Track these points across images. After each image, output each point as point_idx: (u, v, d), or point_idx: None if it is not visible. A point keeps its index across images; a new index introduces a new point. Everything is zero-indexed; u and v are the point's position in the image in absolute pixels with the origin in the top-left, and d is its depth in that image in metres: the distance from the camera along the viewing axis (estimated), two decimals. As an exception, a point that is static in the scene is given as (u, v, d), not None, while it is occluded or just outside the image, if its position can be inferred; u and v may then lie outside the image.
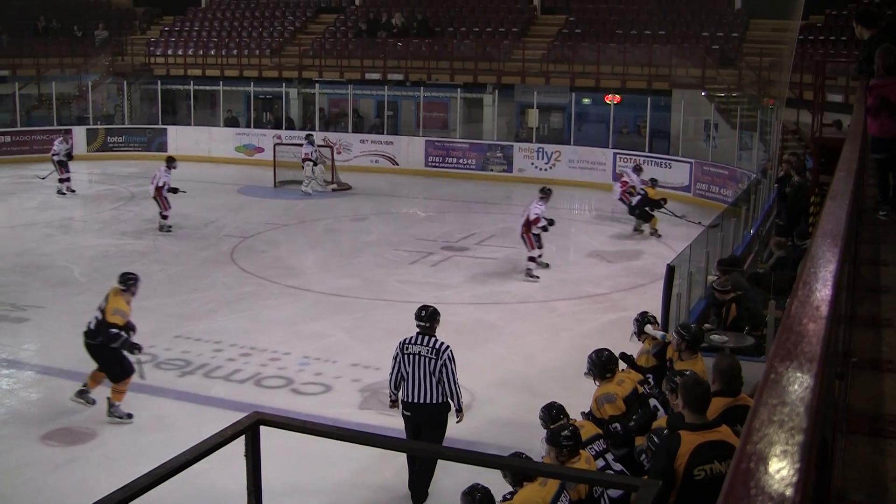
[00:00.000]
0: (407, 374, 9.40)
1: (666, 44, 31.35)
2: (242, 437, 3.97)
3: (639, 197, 22.50)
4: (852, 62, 18.17)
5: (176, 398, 12.33)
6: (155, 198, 22.80)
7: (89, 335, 11.61)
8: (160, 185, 22.72)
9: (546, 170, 30.56)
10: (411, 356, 9.39)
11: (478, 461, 7.13)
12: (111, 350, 11.51)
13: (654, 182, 23.34)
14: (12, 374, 13.41)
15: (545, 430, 7.71)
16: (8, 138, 34.35)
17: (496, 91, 32.62)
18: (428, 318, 9.59)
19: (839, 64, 23.94)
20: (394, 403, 9.66)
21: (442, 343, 9.45)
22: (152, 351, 13.90)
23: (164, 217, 22.78)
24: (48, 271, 18.75)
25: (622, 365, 9.51)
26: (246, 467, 4.04)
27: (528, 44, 33.53)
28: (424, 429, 9.42)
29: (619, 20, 33.72)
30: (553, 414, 7.96)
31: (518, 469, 6.98)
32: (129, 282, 11.80)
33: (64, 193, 27.22)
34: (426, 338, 9.48)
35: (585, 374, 9.07)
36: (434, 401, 9.38)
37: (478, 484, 7.22)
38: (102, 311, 11.56)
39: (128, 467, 9.50)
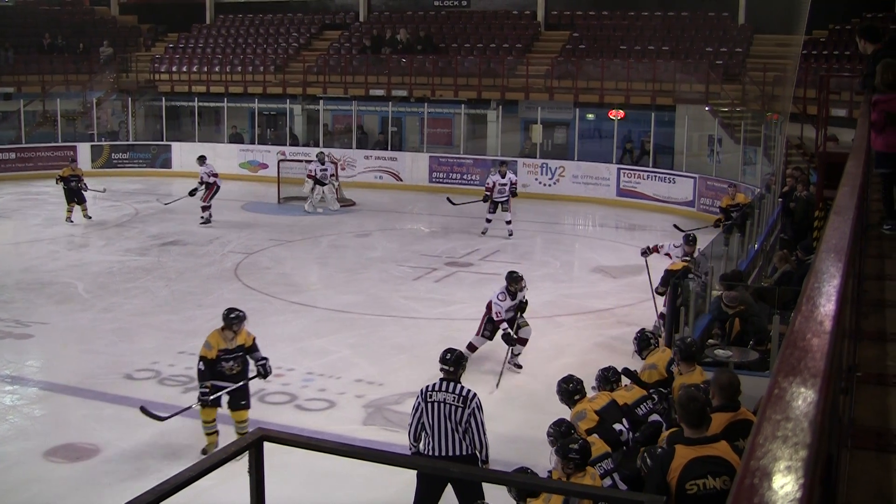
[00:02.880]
0: (430, 424, 8.63)
1: (670, 59, 31.39)
2: (246, 453, 3.96)
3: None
4: (856, 77, 18.23)
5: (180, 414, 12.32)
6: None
7: None
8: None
9: (550, 185, 30.59)
10: (435, 404, 8.61)
11: (482, 477, 7.15)
12: None
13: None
14: (16, 390, 13.41)
15: (552, 446, 7.71)
16: (13, 155, 34.40)
17: (500, 107, 32.65)
18: (454, 362, 8.85)
19: (843, 79, 23.95)
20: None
21: (469, 390, 8.73)
22: (156, 367, 13.93)
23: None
24: (52, 288, 18.76)
25: (625, 381, 9.53)
26: (249, 484, 4.03)
27: (532, 60, 33.55)
28: (457, 486, 8.52)
29: (623, 36, 33.77)
30: (562, 430, 7.97)
31: (521, 485, 6.98)
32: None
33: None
34: (451, 384, 8.71)
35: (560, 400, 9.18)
36: (461, 453, 8.60)
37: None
38: None
39: (132, 483, 9.50)
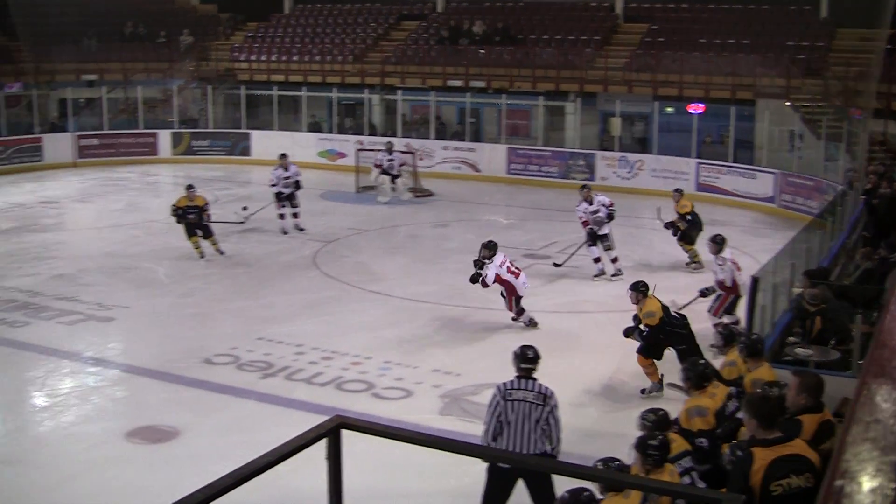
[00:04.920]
0: (510, 422, 8.47)
1: (750, 53, 30.96)
2: (324, 440, 3.99)
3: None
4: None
5: (258, 399, 12.46)
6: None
7: None
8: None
9: (629, 178, 30.37)
10: (516, 403, 8.47)
11: (559, 471, 7.13)
12: None
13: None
14: (99, 371, 13.67)
15: (642, 431, 7.63)
16: (96, 141, 34.99)
17: (578, 99, 32.46)
18: (536, 359, 8.78)
19: (929, 74, 23.55)
20: None
21: (547, 388, 8.58)
22: (235, 353, 14.09)
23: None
24: (134, 272, 19.06)
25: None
26: (328, 470, 4.06)
27: (611, 52, 33.38)
28: (532, 484, 8.44)
29: (703, 29, 33.37)
30: (658, 418, 7.85)
31: (599, 480, 6.95)
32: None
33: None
34: (529, 381, 8.60)
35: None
36: (540, 451, 8.49)
37: (583, 488, 7.13)
38: None
39: (211, 466, 9.50)
